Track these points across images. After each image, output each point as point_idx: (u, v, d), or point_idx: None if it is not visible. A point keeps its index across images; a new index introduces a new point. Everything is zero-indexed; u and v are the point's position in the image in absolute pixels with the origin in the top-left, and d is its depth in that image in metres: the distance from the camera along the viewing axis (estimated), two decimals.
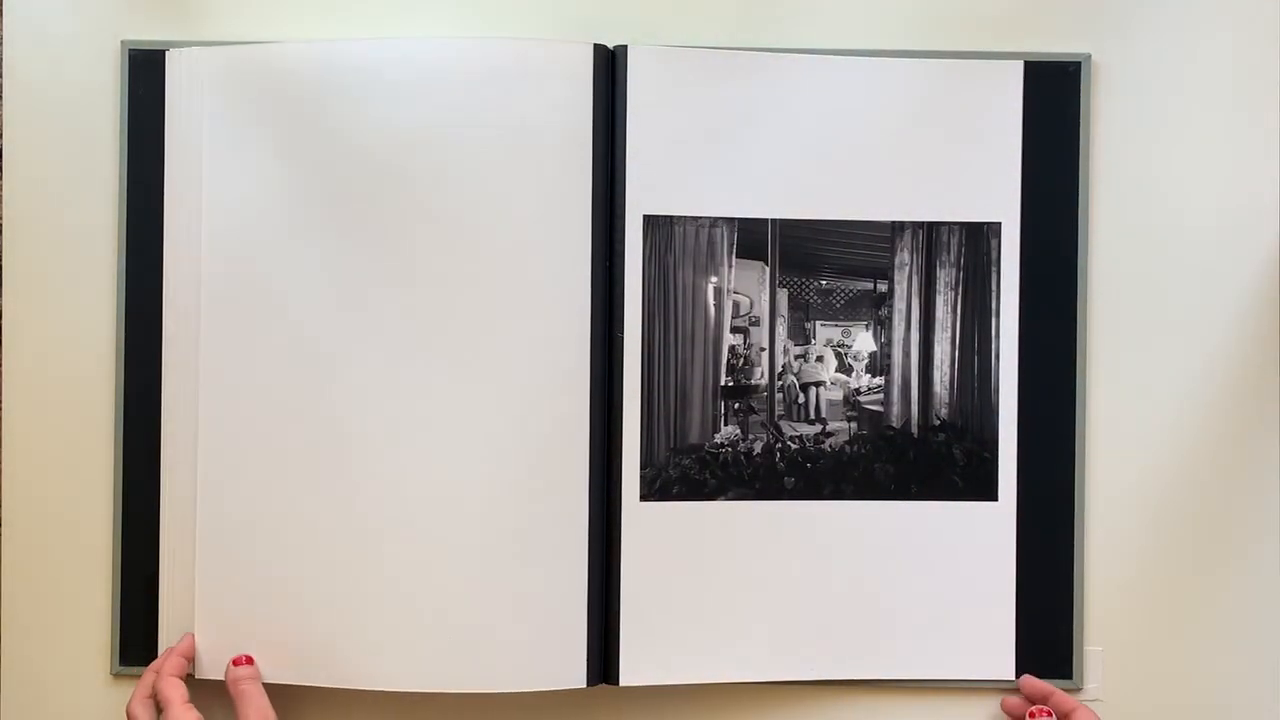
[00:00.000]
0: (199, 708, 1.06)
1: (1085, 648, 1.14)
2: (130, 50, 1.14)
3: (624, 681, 1.11)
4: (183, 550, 1.12)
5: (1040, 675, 1.13)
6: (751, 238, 1.12)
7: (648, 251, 1.11)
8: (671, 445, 1.11)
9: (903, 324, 1.14)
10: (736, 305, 1.12)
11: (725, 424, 1.12)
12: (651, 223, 1.11)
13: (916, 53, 1.13)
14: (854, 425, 1.13)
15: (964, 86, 1.12)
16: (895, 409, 1.13)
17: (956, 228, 1.13)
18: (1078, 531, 1.14)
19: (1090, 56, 1.14)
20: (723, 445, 1.12)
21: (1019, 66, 1.12)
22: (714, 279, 1.12)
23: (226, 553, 1.11)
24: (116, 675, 1.15)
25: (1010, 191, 1.13)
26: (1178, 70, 1.14)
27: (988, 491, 1.13)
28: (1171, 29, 1.14)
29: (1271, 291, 1.14)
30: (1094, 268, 1.14)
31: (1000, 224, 1.13)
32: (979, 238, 1.13)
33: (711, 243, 1.12)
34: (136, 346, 1.14)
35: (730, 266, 1.12)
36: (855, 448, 1.13)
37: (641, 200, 1.11)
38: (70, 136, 1.14)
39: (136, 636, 1.14)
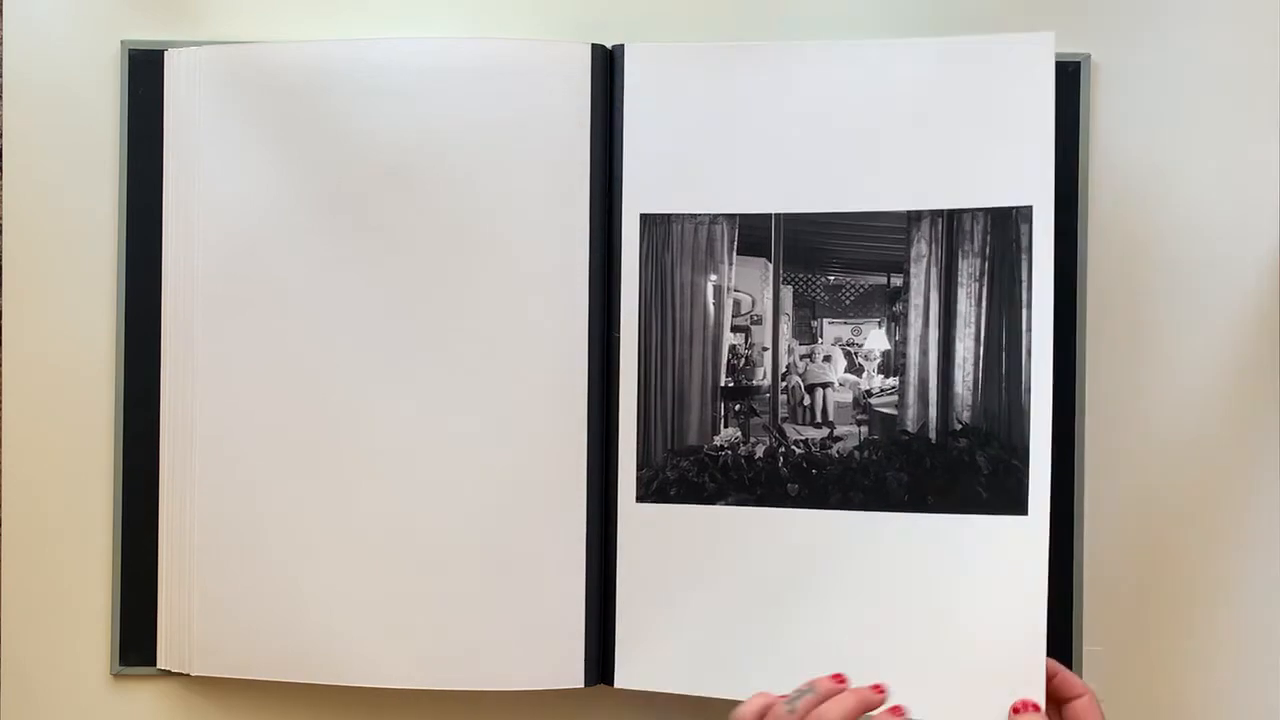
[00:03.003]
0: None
1: (1085, 648, 1.01)
2: (130, 50, 1.02)
3: (619, 684, 0.97)
4: (182, 550, 1.00)
5: None
6: (753, 233, 0.96)
7: (644, 250, 0.97)
8: (669, 446, 0.97)
9: (920, 320, 0.93)
10: (737, 304, 0.97)
11: (725, 426, 0.96)
12: (648, 221, 0.97)
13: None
14: (864, 429, 0.94)
15: (991, 63, 0.91)
16: (911, 411, 0.93)
17: (981, 214, 0.91)
18: (1077, 532, 1.00)
19: (1090, 56, 1.01)
20: (723, 448, 0.96)
21: (1050, 39, 0.90)
22: (713, 277, 0.97)
23: (226, 552, 1.00)
24: (116, 675, 1.03)
25: (1043, 172, 0.90)
26: (1178, 70, 1.01)
27: (1016, 504, 0.89)
28: (1171, 29, 1.01)
29: (1272, 292, 1.00)
30: (1093, 266, 1.00)
31: (1031, 208, 0.90)
32: (1006, 224, 0.91)
33: (711, 240, 0.96)
34: (136, 346, 1.02)
35: (731, 264, 0.96)
36: (865, 453, 0.94)
37: (638, 199, 0.97)
38: (70, 136, 1.03)
39: (136, 636, 1.02)
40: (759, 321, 0.96)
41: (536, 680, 0.98)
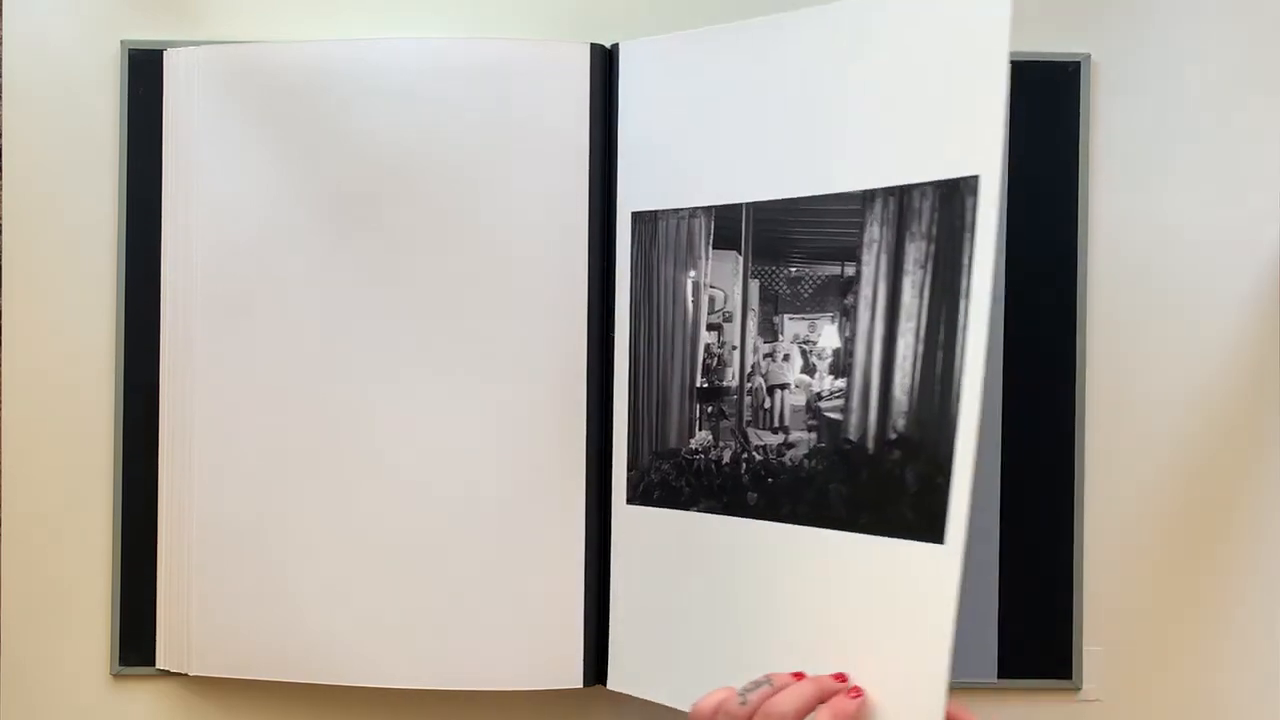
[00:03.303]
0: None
1: (1085, 648, 1.25)
2: (130, 50, 1.23)
3: (610, 686, 1.18)
4: (181, 550, 1.22)
5: (1039, 676, 1.26)
6: (727, 226, 1.11)
7: (635, 248, 1.17)
8: (654, 449, 1.15)
9: (868, 313, 1.03)
10: (712, 300, 1.12)
11: (699, 429, 1.13)
12: (639, 219, 1.17)
13: None
14: (814, 435, 1.04)
15: (944, 15, 1.01)
16: (854, 417, 1.02)
17: (930, 189, 1.00)
18: (1077, 531, 1.24)
19: (1090, 56, 1.23)
20: (697, 451, 1.12)
21: None
22: (692, 273, 1.13)
23: (225, 552, 1.21)
24: (116, 675, 1.25)
25: (991, 136, 0.96)
26: (1178, 70, 1.24)
27: (934, 530, 0.97)
28: (1171, 29, 1.24)
29: (1272, 292, 1.22)
30: (1093, 266, 1.24)
31: (977, 178, 0.97)
32: (953, 199, 0.97)
33: (690, 234, 1.14)
34: (136, 346, 1.24)
35: (707, 259, 1.13)
36: (813, 463, 1.04)
37: (631, 197, 1.18)
38: (70, 136, 1.24)
39: (136, 637, 1.24)
40: (730, 319, 1.11)
41: (535, 680, 1.17)
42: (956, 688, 1.11)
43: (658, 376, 1.16)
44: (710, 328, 1.13)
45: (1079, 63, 1.23)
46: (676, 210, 1.15)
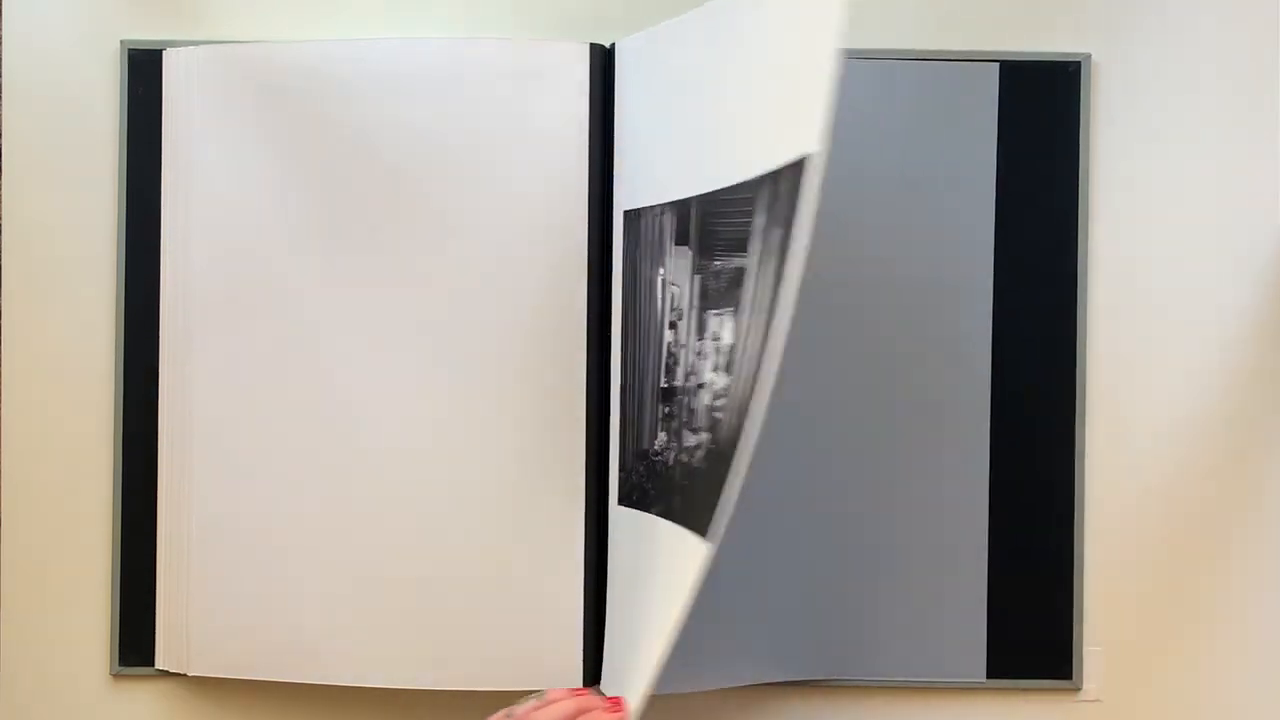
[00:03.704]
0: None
1: (1085, 648, 1.46)
2: (130, 50, 1.43)
3: (604, 688, 1.37)
4: (180, 551, 1.41)
5: (1039, 676, 1.48)
6: (683, 222, 1.29)
7: (625, 248, 1.37)
8: (635, 450, 1.34)
9: (748, 307, 1.17)
10: (673, 297, 1.30)
11: (660, 430, 1.31)
12: (629, 218, 1.37)
13: None
14: (709, 436, 1.21)
15: (787, 11, 1.16)
16: (726, 415, 1.18)
17: (790, 171, 1.13)
18: (1077, 531, 1.46)
19: (1090, 56, 1.45)
20: (658, 453, 1.30)
21: None
22: (661, 270, 1.32)
23: (224, 552, 1.40)
24: (116, 675, 1.44)
25: (813, 116, 1.10)
26: (1178, 70, 1.45)
27: (707, 526, 1.11)
28: (1171, 29, 1.45)
29: (1271, 291, 1.42)
30: (1094, 265, 1.47)
31: (807, 158, 1.10)
32: (796, 180, 1.12)
33: (660, 232, 1.32)
34: (136, 346, 1.43)
35: (671, 255, 1.31)
36: (703, 464, 1.21)
37: (625, 196, 1.38)
38: (70, 136, 1.43)
39: (135, 637, 1.44)
40: (682, 317, 1.28)
41: (535, 680, 1.37)
42: (949, 688, 1.49)
43: (638, 377, 1.34)
44: (671, 326, 1.30)
45: (1079, 63, 1.45)
46: (652, 208, 1.33)
